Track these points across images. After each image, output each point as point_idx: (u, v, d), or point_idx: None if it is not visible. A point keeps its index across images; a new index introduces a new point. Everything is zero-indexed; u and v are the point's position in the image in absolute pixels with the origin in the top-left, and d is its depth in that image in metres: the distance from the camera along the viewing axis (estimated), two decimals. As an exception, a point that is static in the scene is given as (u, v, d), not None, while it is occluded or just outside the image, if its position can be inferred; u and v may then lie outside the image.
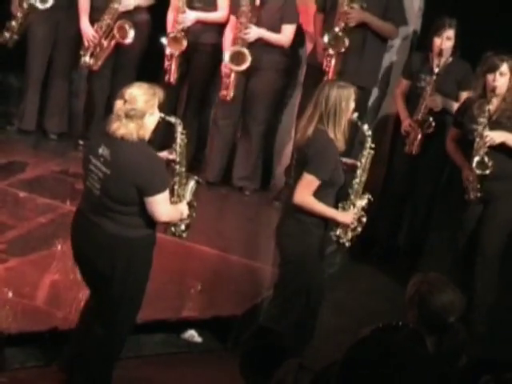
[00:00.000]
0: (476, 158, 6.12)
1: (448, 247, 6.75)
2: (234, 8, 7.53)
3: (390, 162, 7.42)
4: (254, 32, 7.40)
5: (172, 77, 7.62)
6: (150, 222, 5.07)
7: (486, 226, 6.30)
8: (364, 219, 5.75)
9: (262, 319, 5.89)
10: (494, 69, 6.13)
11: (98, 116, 8.03)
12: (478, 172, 6.13)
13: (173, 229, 5.44)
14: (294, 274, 5.68)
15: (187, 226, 5.47)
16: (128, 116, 4.91)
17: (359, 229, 5.75)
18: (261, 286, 6.70)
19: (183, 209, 5.31)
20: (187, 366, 5.93)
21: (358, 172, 5.72)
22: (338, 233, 5.69)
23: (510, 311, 6.58)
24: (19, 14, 7.77)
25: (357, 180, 5.71)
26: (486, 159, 6.09)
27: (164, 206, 5.06)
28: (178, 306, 6.45)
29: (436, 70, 6.89)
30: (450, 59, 6.99)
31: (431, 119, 6.93)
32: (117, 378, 5.73)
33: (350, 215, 5.66)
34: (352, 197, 5.69)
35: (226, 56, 7.45)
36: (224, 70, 7.52)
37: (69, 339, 5.43)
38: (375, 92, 7.69)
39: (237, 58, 7.39)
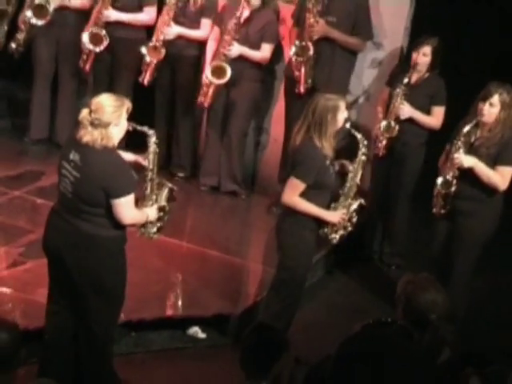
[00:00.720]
0: (440, 178, 6.02)
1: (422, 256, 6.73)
2: (219, 21, 7.56)
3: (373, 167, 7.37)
4: (236, 49, 7.41)
5: (146, 80, 7.65)
6: (119, 223, 5.01)
7: (456, 243, 6.16)
8: (354, 220, 5.73)
9: (261, 316, 5.90)
10: (485, 98, 5.90)
11: None
12: (442, 190, 6.03)
13: (142, 229, 5.33)
14: (292, 273, 5.71)
15: (159, 229, 5.36)
16: (93, 124, 4.86)
17: (350, 228, 5.74)
18: (260, 285, 6.69)
19: (150, 213, 5.21)
20: (192, 359, 5.93)
21: (350, 176, 5.72)
22: (325, 230, 5.69)
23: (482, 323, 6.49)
24: (23, 28, 7.78)
25: (347, 184, 5.71)
26: (450, 179, 5.96)
27: (127, 209, 4.96)
28: (183, 304, 6.45)
29: (406, 80, 6.85)
30: (427, 74, 6.96)
31: (393, 124, 6.90)
32: (126, 372, 5.74)
33: (337, 215, 5.66)
34: (342, 198, 5.70)
35: (208, 70, 7.46)
36: (205, 80, 7.53)
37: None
38: (361, 101, 7.74)
39: (218, 71, 7.41)
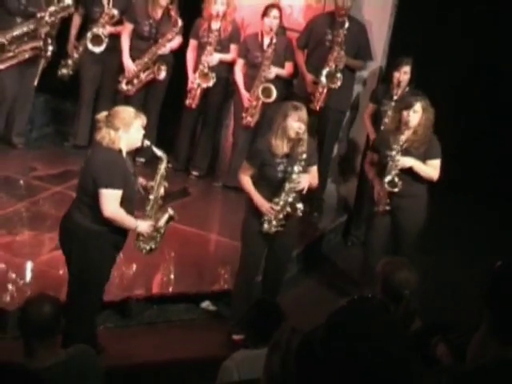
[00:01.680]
0: (388, 178, 5.94)
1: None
2: (242, 52, 7.51)
3: (362, 170, 7.34)
4: (274, 70, 7.36)
5: (194, 103, 7.60)
6: (105, 219, 4.88)
7: (396, 236, 6.16)
8: (299, 208, 5.52)
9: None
10: (409, 107, 5.88)
11: None
12: (389, 189, 5.98)
13: (137, 242, 5.21)
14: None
15: (151, 249, 5.23)
16: (106, 125, 4.87)
17: (282, 222, 5.55)
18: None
19: (141, 225, 5.04)
20: (204, 328, 5.94)
21: (290, 177, 5.48)
22: (262, 220, 5.58)
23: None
24: (75, 55, 7.76)
25: (288, 183, 5.50)
26: (396, 179, 5.93)
27: (109, 202, 4.84)
28: (197, 282, 6.43)
29: (395, 97, 6.84)
30: (407, 89, 6.93)
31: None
32: (150, 338, 5.75)
33: (266, 205, 5.52)
34: (283, 194, 5.51)
35: (257, 91, 7.34)
36: (248, 101, 7.41)
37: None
38: (347, 115, 7.67)
39: (267, 91, 7.34)
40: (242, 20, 7.75)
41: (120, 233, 5.01)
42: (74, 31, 7.85)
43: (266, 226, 5.58)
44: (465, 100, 7.86)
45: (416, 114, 5.89)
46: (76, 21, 7.86)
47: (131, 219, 5.01)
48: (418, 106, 5.88)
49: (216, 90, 7.66)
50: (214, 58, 7.52)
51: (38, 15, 7.42)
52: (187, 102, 7.59)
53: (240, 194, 7.72)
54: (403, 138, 5.90)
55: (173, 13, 7.59)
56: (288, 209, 5.55)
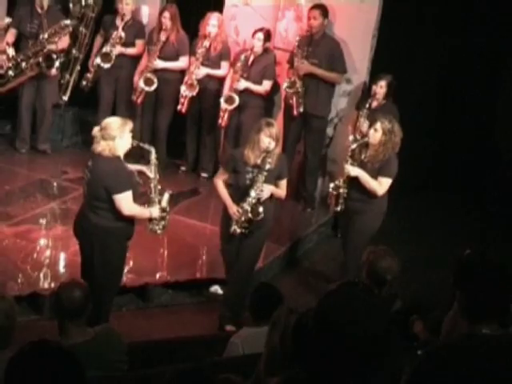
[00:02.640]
0: (334, 183, 5.86)
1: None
2: (233, 65, 7.52)
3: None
4: (243, 84, 7.37)
5: (184, 108, 7.60)
6: (121, 216, 4.90)
7: (350, 235, 6.00)
8: (260, 214, 5.40)
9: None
10: (371, 125, 5.74)
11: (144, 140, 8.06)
12: (334, 192, 5.85)
13: (150, 225, 5.18)
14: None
15: (163, 227, 5.22)
16: (103, 138, 4.84)
17: (245, 225, 5.44)
18: (265, 255, 6.64)
19: (153, 211, 5.08)
20: (213, 310, 5.92)
21: (254, 185, 5.40)
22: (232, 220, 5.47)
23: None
24: (92, 70, 7.81)
25: (253, 189, 5.40)
26: (341, 184, 5.76)
27: (125, 203, 4.85)
28: (207, 269, 6.44)
29: (367, 105, 6.80)
30: (383, 101, 6.89)
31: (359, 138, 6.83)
32: (166, 318, 5.74)
33: (233, 208, 5.44)
34: (249, 199, 5.41)
35: (222, 98, 7.41)
36: (222, 106, 7.45)
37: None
38: (333, 123, 7.66)
39: (230, 100, 7.37)
40: (244, 42, 7.77)
41: (131, 225, 5.04)
42: (95, 50, 7.92)
43: (233, 226, 5.48)
44: (437, 111, 7.88)
45: (377, 133, 5.64)
46: (98, 41, 7.95)
47: (145, 210, 5.07)
48: (378, 126, 5.64)
49: (208, 101, 7.68)
50: (200, 71, 7.53)
51: (41, 36, 7.48)
52: (178, 107, 7.60)
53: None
54: (354, 146, 5.71)
55: (173, 33, 7.60)
56: (250, 214, 5.42)
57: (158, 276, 6.19)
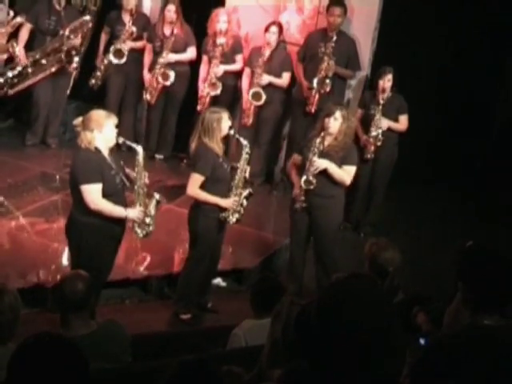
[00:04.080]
0: (304, 177, 5.66)
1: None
2: (249, 62, 7.53)
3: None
4: (267, 78, 7.36)
5: (204, 108, 7.52)
6: (89, 210, 4.77)
7: (314, 231, 5.85)
8: (245, 204, 5.47)
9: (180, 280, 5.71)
10: (329, 114, 5.57)
11: (154, 133, 8.06)
12: (304, 187, 5.65)
13: (134, 229, 5.06)
14: (199, 246, 5.52)
15: (146, 233, 5.09)
16: (82, 128, 4.80)
17: (242, 212, 5.48)
18: (266, 248, 6.68)
19: (131, 213, 4.92)
20: (216, 301, 5.91)
21: (238, 171, 5.50)
22: (224, 214, 5.44)
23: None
24: (102, 67, 7.79)
25: (236, 177, 5.48)
26: (311, 178, 5.61)
27: (91, 196, 4.74)
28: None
29: (381, 101, 6.82)
30: (390, 94, 6.90)
31: (379, 135, 6.86)
32: (166, 310, 5.74)
33: (229, 201, 5.41)
34: (234, 189, 5.46)
35: (250, 94, 7.37)
36: (246, 104, 7.46)
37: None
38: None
39: (257, 96, 7.35)
40: (247, 35, 7.75)
41: (115, 224, 4.91)
42: (101, 47, 7.91)
43: (232, 218, 5.46)
44: (440, 101, 7.87)
45: (336, 122, 5.55)
46: (103, 38, 7.92)
47: (119, 208, 4.87)
48: (338, 114, 5.55)
49: (223, 97, 7.63)
50: (219, 69, 7.52)
51: (61, 33, 7.49)
52: (198, 107, 7.56)
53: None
54: (319, 140, 5.60)
55: (178, 26, 7.58)
56: (242, 197, 5.47)
57: (160, 268, 6.18)
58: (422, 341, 3.03)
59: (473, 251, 3.08)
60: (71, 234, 4.99)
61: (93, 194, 4.76)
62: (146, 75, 7.72)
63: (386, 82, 6.85)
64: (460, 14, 7.57)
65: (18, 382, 2.29)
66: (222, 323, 5.46)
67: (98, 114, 4.85)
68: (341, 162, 5.63)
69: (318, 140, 5.61)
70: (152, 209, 5.06)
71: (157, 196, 5.10)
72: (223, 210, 5.43)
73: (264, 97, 7.34)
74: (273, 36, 7.33)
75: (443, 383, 2.62)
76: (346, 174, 5.65)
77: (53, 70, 7.63)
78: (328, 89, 7.15)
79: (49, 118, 7.91)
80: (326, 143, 5.63)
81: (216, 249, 5.65)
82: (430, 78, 7.87)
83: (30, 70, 7.52)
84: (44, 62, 7.54)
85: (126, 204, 4.97)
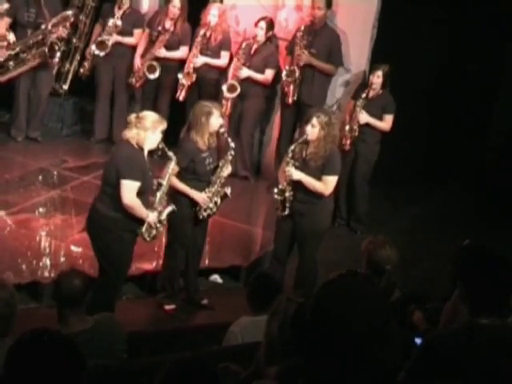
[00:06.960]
0: (279, 186, 5.56)
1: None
2: (235, 55, 7.53)
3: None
4: (245, 72, 7.37)
5: (181, 96, 7.60)
6: (121, 206, 4.82)
7: (298, 239, 5.72)
8: (218, 203, 5.47)
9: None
10: (307, 121, 5.42)
11: None
12: (277, 197, 5.54)
13: (143, 230, 5.03)
14: (173, 235, 5.59)
15: (153, 237, 5.14)
16: (136, 126, 4.85)
17: (214, 210, 5.50)
18: (262, 245, 6.68)
19: (151, 215, 4.98)
20: (213, 298, 5.92)
21: (217, 170, 5.49)
22: (197, 208, 5.45)
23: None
24: (89, 57, 7.80)
25: (215, 175, 5.48)
26: (283, 187, 5.48)
27: (129, 192, 4.80)
28: (206, 258, 6.43)
29: (364, 95, 6.81)
30: (381, 91, 6.88)
31: (355, 127, 6.82)
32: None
33: (202, 196, 5.41)
34: (210, 186, 5.45)
35: (224, 87, 7.40)
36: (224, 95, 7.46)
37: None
38: (335, 109, 7.59)
39: (232, 88, 7.37)
40: (245, 32, 7.75)
41: (131, 219, 4.96)
42: (93, 38, 7.88)
43: (203, 213, 5.48)
44: (436, 100, 7.87)
45: (314, 129, 5.37)
46: (97, 30, 7.90)
47: (145, 210, 4.97)
48: (314, 121, 5.36)
49: (207, 90, 7.65)
50: (198, 60, 7.53)
51: (43, 26, 7.44)
52: (177, 95, 7.59)
53: (244, 182, 7.76)
54: (298, 148, 5.48)
55: (179, 23, 7.58)
56: (217, 198, 5.47)
57: (157, 265, 6.19)
58: (417, 340, 3.03)
59: (471, 250, 3.09)
60: (95, 230, 5.00)
61: (130, 190, 4.83)
62: (137, 59, 7.71)
63: (376, 77, 6.84)
64: (459, 11, 7.57)
65: (15, 377, 2.29)
66: (218, 320, 5.46)
67: (154, 116, 4.95)
68: (321, 172, 5.45)
69: (296, 147, 5.48)
70: (164, 217, 5.13)
71: (173, 206, 5.20)
72: (195, 203, 5.45)
73: (239, 89, 7.33)
74: (260, 31, 7.34)
75: (440, 381, 2.62)
76: (323, 185, 5.45)
77: (34, 63, 7.55)
78: (296, 77, 7.17)
79: (30, 111, 7.85)
80: (309, 150, 5.46)
81: (195, 241, 5.65)
82: (429, 75, 7.87)
83: (11, 63, 7.46)
84: (25, 55, 7.47)
85: (148, 206, 5.04)
